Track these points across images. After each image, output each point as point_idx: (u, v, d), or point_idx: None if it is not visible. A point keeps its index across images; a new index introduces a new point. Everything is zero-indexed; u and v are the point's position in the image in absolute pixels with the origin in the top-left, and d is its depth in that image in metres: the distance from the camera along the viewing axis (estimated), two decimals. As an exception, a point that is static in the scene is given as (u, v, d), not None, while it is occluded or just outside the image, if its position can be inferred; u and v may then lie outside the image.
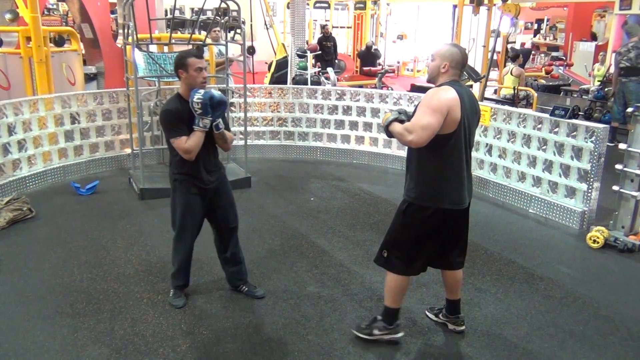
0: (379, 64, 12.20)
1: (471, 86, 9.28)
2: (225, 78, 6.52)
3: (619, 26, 10.26)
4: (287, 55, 9.55)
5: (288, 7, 10.28)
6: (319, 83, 8.83)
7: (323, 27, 13.12)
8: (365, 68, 12.41)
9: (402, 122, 2.82)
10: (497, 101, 9.57)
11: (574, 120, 4.95)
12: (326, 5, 15.06)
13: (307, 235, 4.65)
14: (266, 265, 4.04)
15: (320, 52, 10.27)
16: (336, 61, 12.49)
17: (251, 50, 9.59)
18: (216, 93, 3.15)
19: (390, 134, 2.88)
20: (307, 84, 8.27)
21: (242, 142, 6.24)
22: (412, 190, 2.85)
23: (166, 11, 12.17)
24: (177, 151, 3.21)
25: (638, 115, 4.38)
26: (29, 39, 6.36)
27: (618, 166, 4.48)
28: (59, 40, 7.40)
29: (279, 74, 9.59)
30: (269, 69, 10.03)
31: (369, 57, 12.66)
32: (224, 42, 6.57)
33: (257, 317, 3.38)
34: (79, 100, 6.16)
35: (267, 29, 11.43)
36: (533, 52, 14.29)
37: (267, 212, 5.13)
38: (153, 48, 6.83)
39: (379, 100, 6.75)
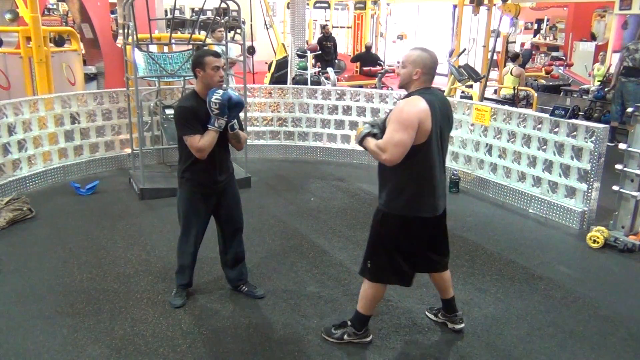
0: (379, 64, 12.19)
1: (471, 86, 9.29)
2: (225, 78, 6.51)
3: (619, 26, 10.26)
4: (287, 55, 9.55)
5: (288, 7, 10.28)
6: (319, 83, 8.82)
7: (323, 27, 13.12)
8: (365, 68, 12.41)
9: (374, 135, 2.79)
10: (497, 101, 9.58)
11: (574, 120, 4.95)
12: (326, 5, 15.06)
13: (307, 235, 4.65)
14: (266, 265, 4.05)
15: (320, 52, 10.27)
16: (336, 61, 12.48)
17: (251, 50, 9.58)
18: (234, 94, 3.15)
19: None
20: (307, 84, 8.27)
21: (242, 142, 6.24)
22: (386, 199, 2.84)
23: (166, 11, 12.16)
24: (189, 149, 3.20)
25: (638, 116, 4.38)
26: (29, 39, 6.36)
27: (618, 166, 4.48)
28: (59, 40, 7.40)
29: (279, 74, 9.59)
30: (269, 69, 10.03)
31: (368, 58, 12.65)
32: (224, 42, 6.57)
33: (257, 317, 3.38)
34: (79, 100, 6.16)
35: (267, 29, 11.43)
36: (533, 52, 14.29)
37: (267, 212, 5.14)
38: (153, 48, 6.83)
39: (379, 100, 6.76)
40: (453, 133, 6.11)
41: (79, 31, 7.97)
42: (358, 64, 13.01)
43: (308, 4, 12.00)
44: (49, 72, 6.46)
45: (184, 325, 3.27)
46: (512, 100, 9.08)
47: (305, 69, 8.63)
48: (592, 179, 4.79)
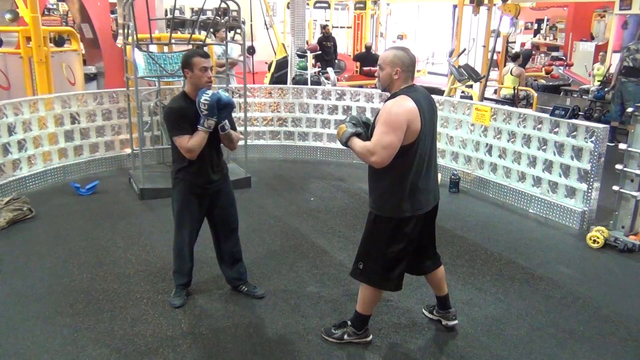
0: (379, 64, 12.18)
1: (471, 86, 9.29)
2: (226, 78, 6.52)
3: (619, 26, 10.26)
4: (287, 55, 9.55)
5: (288, 7, 10.27)
6: (319, 83, 8.82)
7: (323, 27, 13.11)
8: (365, 68, 12.40)
9: (359, 135, 2.78)
10: (497, 101, 9.58)
11: (574, 120, 4.95)
12: (326, 5, 15.05)
13: (307, 235, 4.65)
14: (266, 265, 4.04)
15: (320, 52, 10.26)
16: (336, 61, 12.48)
17: (251, 50, 9.58)
18: (224, 95, 3.14)
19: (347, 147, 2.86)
20: (307, 84, 8.27)
21: (242, 142, 6.24)
22: (377, 201, 2.84)
23: (166, 11, 12.16)
24: (179, 149, 3.20)
25: (638, 116, 4.38)
26: (29, 39, 6.36)
27: (618, 166, 4.48)
28: (59, 40, 7.40)
29: (279, 74, 9.58)
30: (269, 69, 10.02)
31: (368, 57, 12.65)
32: (223, 43, 6.57)
33: (257, 317, 3.38)
34: (79, 100, 6.16)
35: (267, 29, 11.43)
36: (533, 52, 14.29)
37: (267, 212, 5.13)
38: (153, 48, 6.82)
39: (378, 100, 6.75)
40: (453, 133, 6.11)
41: (79, 31, 7.97)
42: (358, 63, 13.02)
43: (308, 4, 12.00)
44: (49, 72, 6.46)
45: (184, 325, 3.27)
46: (512, 100, 9.08)
47: (305, 69, 8.63)
48: (592, 179, 4.79)
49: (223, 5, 5.91)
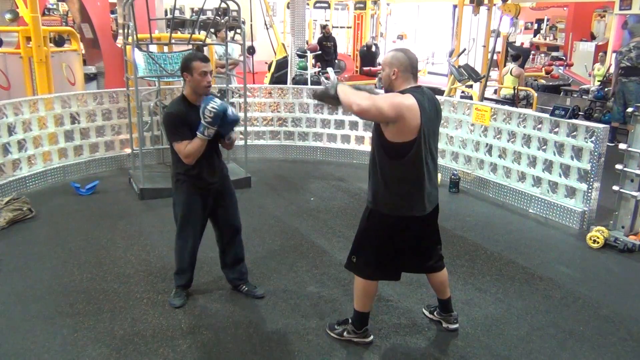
0: (379, 64, 12.19)
1: (471, 86, 9.29)
2: (226, 78, 6.52)
3: (619, 26, 10.26)
4: (287, 55, 9.55)
5: (288, 7, 10.27)
6: (319, 83, 8.82)
7: (323, 27, 13.11)
8: (365, 68, 12.41)
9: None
10: (497, 101, 9.57)
11: (574, 120, 4.95)
12: (326, 5, 15.04)
13: (307, 235, 4.65)
14: (266, 265, 4.04)
15: (320, 52, 10.26)
16: (336, 61, 12.48)
17: (251, 50, 9.58)
18: (232, 111, 3.12)
19: (320, 99, 2.88)
20: (307, 84, 8.27)
21: (242, 142, 6.24)
22: (373, 197, 2.85)
23: (166, 11, 12.15)
24: (178, 154, 3.20)
25: (638, 115, 4.38)
26: (29, 39, 6.35)
27: (618, 166, 4.48)
28: (59, 40, 7.39)
29: (279, 74, 9.58)
30: (269, 69, 10.03)
31: (368, 56, 12.66)
32: (224, 43, 6.57)
33: (257, 317, 3.38)
34: (79, 100, 6.16)
35: (267, 29, 11.43)
36: (533, 52, 14.28)
37: (267, 212, 5.13)
38: (153, 48, 6.82)
39: (379, 100, 6.74)
40: (453, 133, 6.12)
41: (79, 31, 7.97)
42: (358, 63, 13.03)
43: (308, 4, 11.99)
44: (49, 72, 6.46)
45: (184, 325, 3.27)
46: (512, 100, 9.08)
47: (305, 69, 8.63)
48: (592, 179, 4.79)
49: (223, 5, 5.91)
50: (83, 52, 8.03)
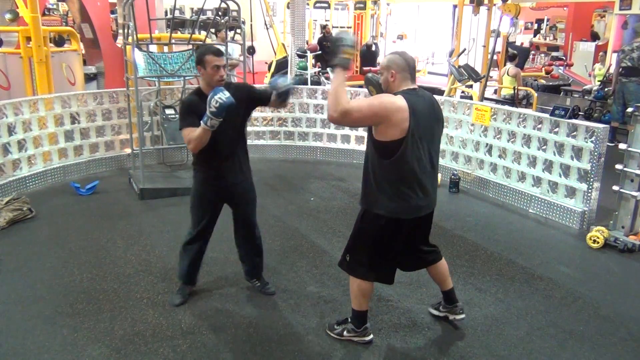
0: (379, 64, 12.20)
1: (471, 86, 9.29)
2: (227, 78, 6.51)
3: (619, 26, 10.25)
4: (287, 55, 9.55)
5: (288, 7, 10.28)
6: (319, 83, 8.82)
7: (324, 27, 13.11)
8: (365, 68, 12.40)
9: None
10: (497, 101, 9.57)
11: (574, 120, 4.95)
12: (326, 5, 15.04)
13: (307, 235, 4.65)
14: (266, 265, 4.03)
15: (320, 52, 10.27)
16: (336, 61, 12.45)
17: (251, 50, 9.58)
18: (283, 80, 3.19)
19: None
20: (307, 84, 8.27)
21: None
22: (366, 198, 2.86)
23: (166, 11, 12.15)
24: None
25: (638, 115, 4.38)
26: (29, 39, 6.35)
27: (618, 166, 4.48)
28: (59, 40, 7.40)
29: (279, 74, 9.59)
30: (269, 69, 10.03)
31: (368, 56, 12.66)
32: (224, 43, 6.57)
33: (257, 317, 3.38)
34: (79, 100, 6.16)
35: (267, 29, 11.43)
36: (532, 51, 14.27)
37: (267, 212, 5.13)
38: (153, 48, 6.82)
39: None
40: (453, 133, 6.11)
41: (79, 31, 7.97)
42: (358, 62, 13.02)
43: (308, 4, 11.98)
44: (49, 72, 6.46)
45: (184, 325, 3.27)
46: (512, 100, 9.08)
47: (305, 69, 8.64)
48: (592, 179, 4.79)
49: (223, 5, 5.91)
50: (83, 52, 8.03)
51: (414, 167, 2.73)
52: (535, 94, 8.76)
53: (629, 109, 4.53)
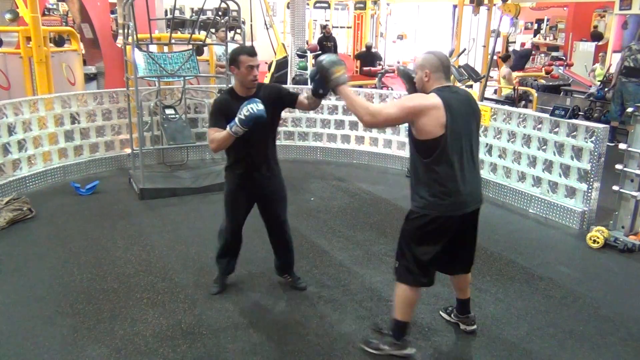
0: (379, 64, 12.19)
1: (471, 86, 9.28)
2: (226, 78, 6.51)
3: (619, 26, 10.26)
4: (287, 55, 9.55)
5: (288, 7, 10.28)
6: (319, 83, 8.81)
7: (324, 27, 13.12)
8: (365, 68, 12.40)
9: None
10: (497, 101, 9.57)
11: (574, 120, 4.95)
12: (326, 5, 15.05)
13: (307, 235, 4.65)
14: (266, 265, 4.04)
15: (320, 52, 10.27)
16: (336, 61, 12.45)
17: (251, 50, 9.55)
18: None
19: (326, 91, 2.96)
20: (307, 84, 8.27)
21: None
22: (413, 198, 2.84)
23: (166, 11, 12.16)
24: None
25: (638, 116, 4.38)
26: (29, 39, 6.36)
27: (618, 166, 4.48)
28: (59, 40, 7.40)
29: (279, 74, 9.58)
30: (269, 69, 10.03)
31: (368, 57, 12.65)
32: (223, 43, 6.57)
33: (257, 317, 3.38)
34: (79, 100, 6.16)
35: (267, 29, 11.43)
36: (533, 52, 14.27)
37: (267, 212, 5.13)
38: (153, 48, 6.82)
39: (378, 100, 6.75)
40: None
41: (79, 31, 7.97)
42: (358, 63, 13.02)
43: (308, 4, 11.99)
44: (49, 72, 6.46)
45: (184, 325, 3.27)
46: (512, 100, 9.08)
47: (305, 69, 8.64)
48: (592, 179, 4.79)
49: (223, 5, 5.92)
50: (83, 52, 8.03)
51: (455, 163, 2.71)
52: (536, 94, 8.76)
53: (629, 109, 4.53)
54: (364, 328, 3.25)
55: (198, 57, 6.51)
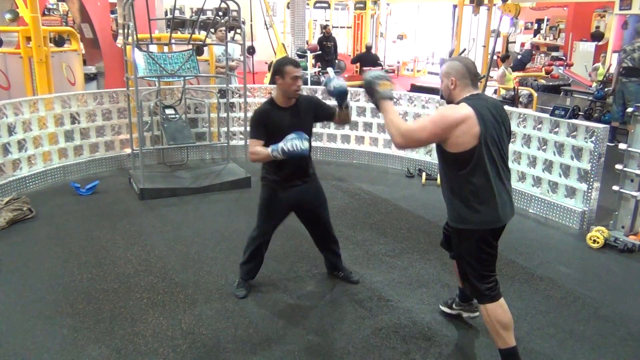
0: (379, 64, 12.20)
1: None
2: (226, 79, 6.51)
3: (619, 26, 10.26)
4: (287, 55, 9.55)
5: (288, 7, 10.28)
6: (319, 83, 8.83)
7: (324, 27, 13.12)
8: (365, 68, 12.41)
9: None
10: (497, 101, 9.56)
11: (574, 120, 4.95)
12: (326, 5, 15.06)
13: (307, 235, 4.60)
14: (266, 265, 4.03)
15: (320, 52, 10.28)
16: (336, 61, 12.48)
17: (251, 50, 9.59)
18: (335, 83, 3.30)
19: (374, 102, 2.80)
20: (307, 84, 8.27)
21: (242, 142, 6.24)
22: (453, 215, 2.75)
23: (166, 11, 12.17)
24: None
25: (638, 116, 4.38)
26: (29, 39, 6.36)
27: (618, 166, 4.48)
28: (59, 40, 7.40)
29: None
30: (269, 69, 10.03)
31: (368, 57, 12.67)
32: (223, 43, 6.57)
33: (257, 317, 3.38)
34: (79, 100, 6.17)
35: (267, 29, 11.43)
36: (533, 52, 14.28)
37: (267, 212, 5.13)
38: (153, 48, 6.82)
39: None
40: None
41: (79, 31, 7.98)
42: (358, 63, 13.02)
43: (308, 4, 12.00)
44: (49, 72, 6.46)
45: (184, 325, 3.27)
46: (512, 100, 9.08)
47: (305, 69, 8.64)
48: (592, 179, 4.79)
49: (223, 5, 5.92)
50: (83, 52, 8.03)
51: (492, 173, 2.62)
52: (535, 94, 8.76)
53: (629, 109, 4.53)
54: (364, 328, 3.25)
55: (198, 57, 6.52)
